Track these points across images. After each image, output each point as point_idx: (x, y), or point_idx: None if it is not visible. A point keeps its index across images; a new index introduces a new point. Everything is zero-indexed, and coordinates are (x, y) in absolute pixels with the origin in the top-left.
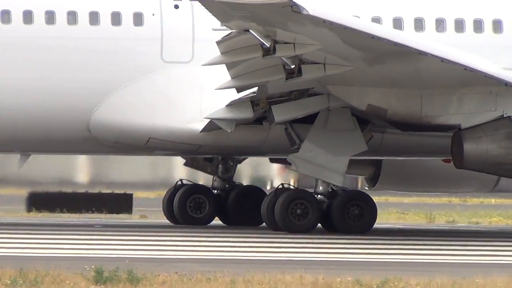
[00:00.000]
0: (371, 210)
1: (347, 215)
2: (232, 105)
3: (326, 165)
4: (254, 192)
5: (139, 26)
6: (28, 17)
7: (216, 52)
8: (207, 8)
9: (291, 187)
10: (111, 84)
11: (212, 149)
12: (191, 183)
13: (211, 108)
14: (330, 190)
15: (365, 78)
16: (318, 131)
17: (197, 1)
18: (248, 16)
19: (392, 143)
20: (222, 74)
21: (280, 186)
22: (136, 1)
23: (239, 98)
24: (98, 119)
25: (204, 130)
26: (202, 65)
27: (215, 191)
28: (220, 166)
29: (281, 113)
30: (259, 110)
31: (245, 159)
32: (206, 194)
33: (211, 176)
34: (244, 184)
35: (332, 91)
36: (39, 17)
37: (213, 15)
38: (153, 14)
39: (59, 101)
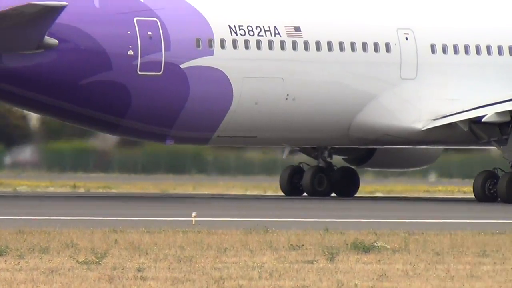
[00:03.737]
0: None
1: None
2: (498, 112)
3: None
4: (350, 171)
5: (388, 53)
6: (330, 46)
7: (429, 72)
8: None
9: None
10: (370, 94)
11: (419, 142)
12: (308, 166)
13: (427, 112)
14: None
15: None
16: None
17: None
18: None
19: None
20: (435, 89)
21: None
22: (386, 34)
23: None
24: (359, 121)
25: (427, 128)
26: None
27: None
28: (326, 152)
29: None
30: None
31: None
32: (326, 173)
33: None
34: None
35: None
36: (336, 46)
37: None
38: (395, 44)
39: (333, 107)
